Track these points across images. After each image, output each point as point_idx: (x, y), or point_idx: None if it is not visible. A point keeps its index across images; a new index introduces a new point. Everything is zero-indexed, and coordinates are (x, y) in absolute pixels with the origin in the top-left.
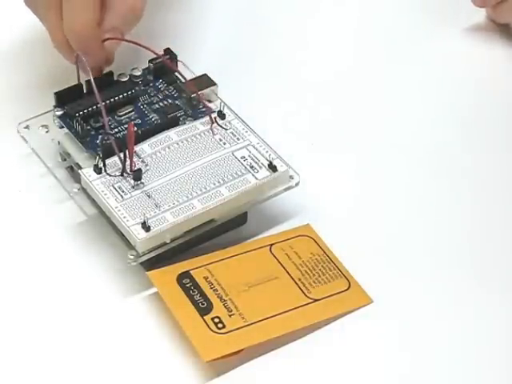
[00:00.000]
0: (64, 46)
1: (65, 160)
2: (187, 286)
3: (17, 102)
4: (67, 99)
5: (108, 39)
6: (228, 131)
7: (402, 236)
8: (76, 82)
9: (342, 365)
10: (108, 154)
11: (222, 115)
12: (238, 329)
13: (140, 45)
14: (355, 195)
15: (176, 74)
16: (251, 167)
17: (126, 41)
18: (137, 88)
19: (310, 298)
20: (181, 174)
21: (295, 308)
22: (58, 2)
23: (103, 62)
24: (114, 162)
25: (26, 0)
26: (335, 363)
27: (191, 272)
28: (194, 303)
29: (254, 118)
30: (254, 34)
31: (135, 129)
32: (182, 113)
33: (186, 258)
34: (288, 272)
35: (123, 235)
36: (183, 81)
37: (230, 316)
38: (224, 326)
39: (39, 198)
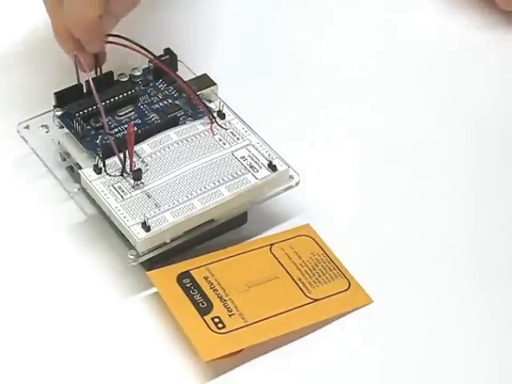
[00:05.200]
0: (63, 36)
1: (65, 160)
2: (187, 285)
3: (17, 102)
4: (67, 99)
5: (108, 43)
6: (228, 131)
7: (402, 236)
8: (76, 82)
9: (342, 365)
10: (108, 154)
11: (221, 115)
12: (237, 329)
13: (135, 49)
14: (355, 195)
15: (176, 73)
16: (251, 167)
17: (123, 45)
18: (137, 88)
19: (310, 298)
20: (181, 174)
21: (295, 308)
22: None
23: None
24: (113, 162)
25: None
26: (335, 363)
27: (191, 272)
28: (194, 303)
29: (254, 118)
30: (254, 34)
31: (135, 129)
32: (182, 113)
33: (186, 258)
34: (288, 272)
35: (123, 235)
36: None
37: (229, 316)
38: (224, 326)
39: (39, 198)
